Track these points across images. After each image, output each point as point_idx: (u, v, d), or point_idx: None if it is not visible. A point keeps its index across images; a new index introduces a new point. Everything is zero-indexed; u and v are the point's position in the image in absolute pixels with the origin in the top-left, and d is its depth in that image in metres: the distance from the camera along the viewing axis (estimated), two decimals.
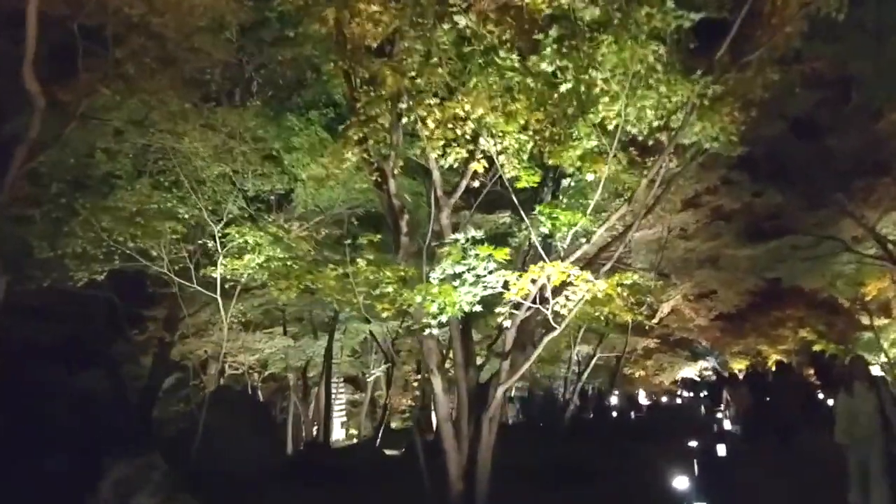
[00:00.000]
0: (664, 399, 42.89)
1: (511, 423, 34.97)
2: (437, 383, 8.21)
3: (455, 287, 6.65)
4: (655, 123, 7.59)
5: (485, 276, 6.63)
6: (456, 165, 8.37)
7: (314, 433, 23.93)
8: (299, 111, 12.62)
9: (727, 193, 19.89)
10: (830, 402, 35.50)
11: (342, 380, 28.40)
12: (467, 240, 6.83)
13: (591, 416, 30.19)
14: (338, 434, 28.48)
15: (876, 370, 25.20)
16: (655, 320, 29.23)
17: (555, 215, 7.38)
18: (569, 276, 6.61)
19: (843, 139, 16.33)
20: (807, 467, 19.08)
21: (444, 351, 9.21)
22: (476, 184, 9.04)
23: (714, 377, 42.42)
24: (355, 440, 28.32)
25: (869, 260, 19.10)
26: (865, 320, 24.77)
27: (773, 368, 37.75)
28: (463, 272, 6.66)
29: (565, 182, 11.60)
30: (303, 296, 11.09)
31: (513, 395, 35.17)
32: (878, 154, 16.40)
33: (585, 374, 25.52)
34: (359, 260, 7.61)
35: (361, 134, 7.99)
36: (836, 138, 16.36)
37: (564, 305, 7.18)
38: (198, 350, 17.45)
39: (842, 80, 14.29)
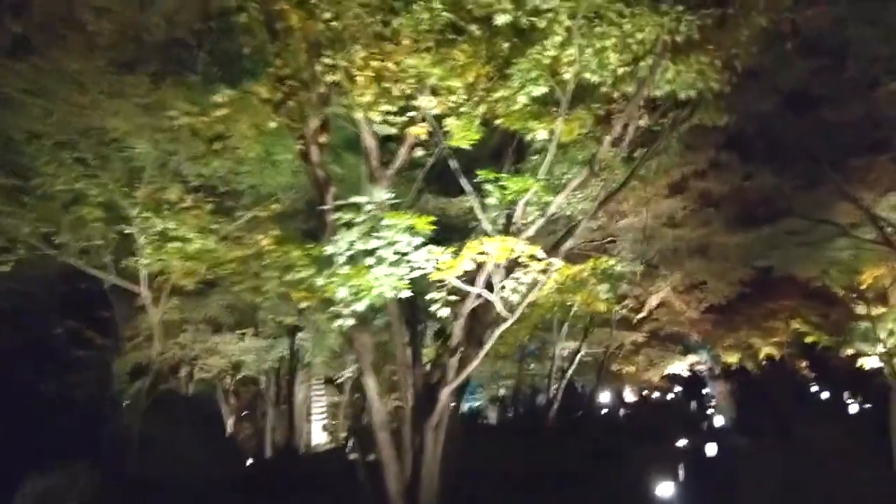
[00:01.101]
0: (655, 395, 41.90)
1: (496, 423, 33.92)
2: (371, 385, 6.97)
3: (370, 267, 5.38)
4: (621, 70, 6.32)
5: (410, 252, 5.36)
6: (395, 131, 7.11)
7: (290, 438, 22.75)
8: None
9: (716, 177, 18.61)
10: (825, 395, 34.72)
11: (322, 382, 26.94)
12: (375, 205, 5.53)
13: (580, 414, 29.00)
14: (318, 438, 27.28)
15: (874, 361, 24.28)
16: (643, 313, 28.25)
17: (502, 182, 6.11)
18: (513, 251, 5.38)
19: (840, 111, 15.11)
20: (801, 465, 18.06)
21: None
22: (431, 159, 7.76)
23: (706, 372, 41.48)
24: (333, 445, 27.16)
25: (867, 245, 17.85)
26: (861, 310, 23.56)
27: (763, 362, 36.94)
28: (379, 248, 5.38)
29: (535, 158, 10.40)
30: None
31: (500, 394, 34.05)
32: (876, 130, 15.20)
33: (570, 371, 24.37)
34: (260, 237, 6.31)
35: (280, 94, 6.73)
36: (832, 110, 15.13)
37: (515, 290, 5.92)
38: (165, 353, 16.21)
39: (840, 46, 13.07)
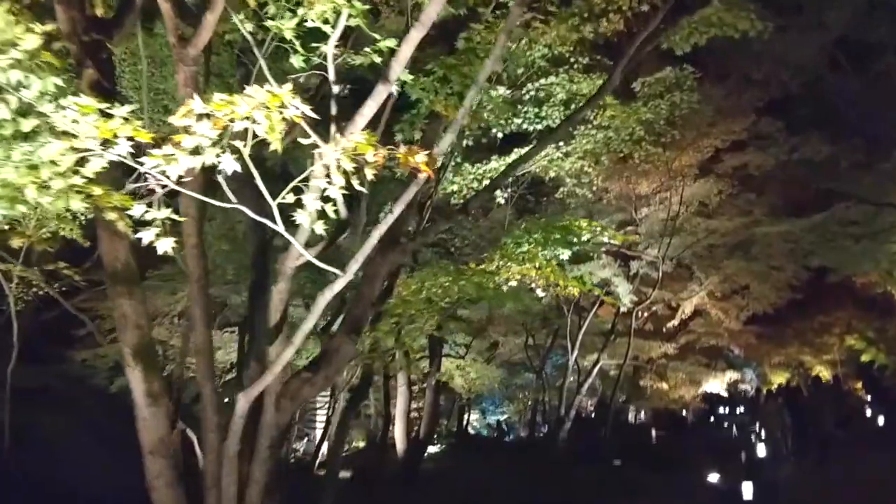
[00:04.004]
0: (695, 415, 38.19)
1: (507, 440, 30.86)
2: (137, 382, 4.13)
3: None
4: None
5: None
6: None
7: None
8: None
9: (756, 150, 15.34)
10: (881, 419, 30.97)
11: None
12: None
13: (602, 434, 25.67)
14: (328, 445, 24.54)
15: None
16: (675, 322, 24.94)
17: None
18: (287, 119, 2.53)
19: None
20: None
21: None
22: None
23: (752, 392, 37.71)
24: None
25: None
26: None
27: (811, 382, 33.34)
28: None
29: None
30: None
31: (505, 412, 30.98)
32: None
33: (586, 385, 21.24)
34: None
35: None
36: (893, 57, 11.92)
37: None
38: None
39: None
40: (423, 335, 14.12)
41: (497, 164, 8.29)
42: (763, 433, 30.37)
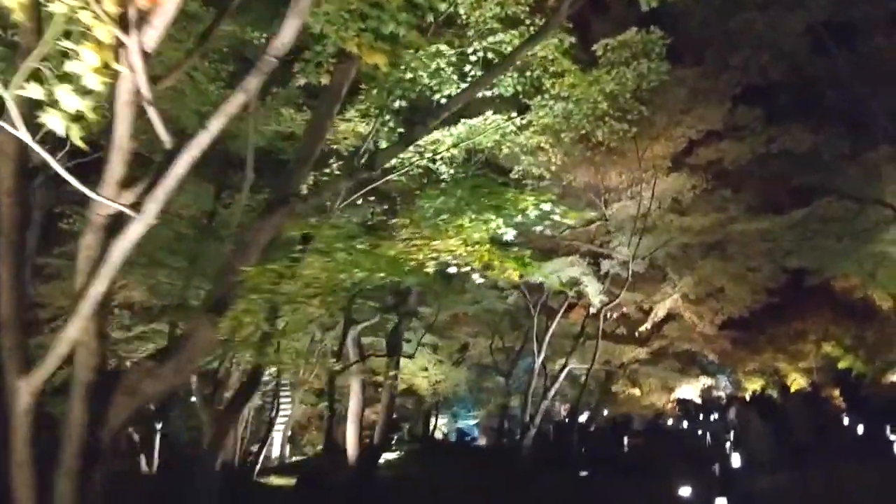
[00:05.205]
0: (670, 422, 37.39)
1: (472, 446, 29.83)
2: None
3: None
4: None
5: None
6: None
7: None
8: None
9: (733, 142, 14.41)
10: (860, 428, 30.35)
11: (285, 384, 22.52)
12: None
13: (574, 442, 24.67)
14: (278, 451, 23.34)
15: None
16: (648, 325, 24.02)
17: None
18: None
19: (892, 41, 11.06)
20: None
21: None
22: None
23: (725, 399, 36.91)
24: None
25: None
26: None
27: (785, 391, 32.77)
28: None
29: None
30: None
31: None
32: None
33: (553, 390, 20.22)
34: None
35: None
36: (883, 37, 11.03)
37: None
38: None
39: None
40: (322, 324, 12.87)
41: (441, 134, 7.26)
42: (738, 442, 29.62)
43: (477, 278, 5.26)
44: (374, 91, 6.65)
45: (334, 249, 4.33)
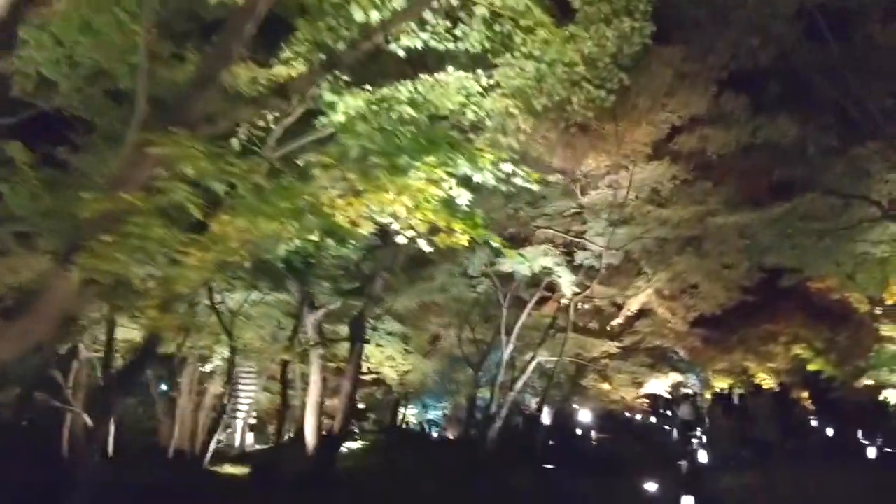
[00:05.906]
0: (637, 418, 37.00)
1: (438, 437, 29.20)
2: None
3: None
4: None
5: None
6: None
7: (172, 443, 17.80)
8: None
9: (716, 129, 13.78)
10: (830, 431, 30.23)
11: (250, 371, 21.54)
12: None
13: (541, 435, 24.13)
14: (240, 438, 22.47)
15: None
16: (620, 319, 23.53)
17: None
18: None
19: (891, 34, 10.51)
20: None
21: None
22: None
23: (694, 396, 36.64)
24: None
25: None
26: (888, 330, 18.97)
27: (754, 391, 32.72)
28: None
29: None
30: None
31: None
32: None
33: (521, 382, 19.61)
34: None
35: None
36: (879, 25, 10.48)
37: None
38: None
39: None
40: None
41: (394, 90, 6.50)
42: (705, 439, 29.40)
43: (424, 245, 4.51)
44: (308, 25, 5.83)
45: (206, 178, 3.46)
